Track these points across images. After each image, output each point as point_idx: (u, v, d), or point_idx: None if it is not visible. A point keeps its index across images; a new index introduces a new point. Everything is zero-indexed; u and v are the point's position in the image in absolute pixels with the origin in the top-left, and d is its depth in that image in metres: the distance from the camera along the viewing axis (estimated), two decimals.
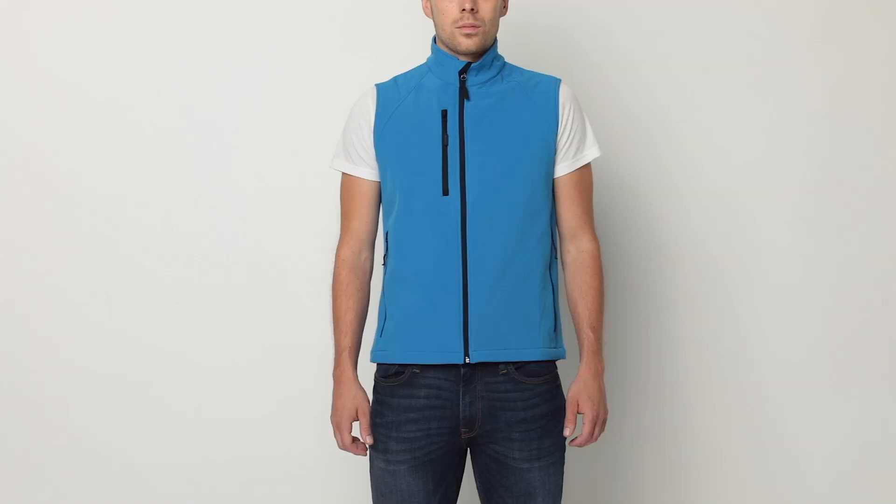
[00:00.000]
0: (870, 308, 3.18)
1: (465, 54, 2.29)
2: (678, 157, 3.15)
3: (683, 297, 3.16)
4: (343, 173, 2.39)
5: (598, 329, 2.29)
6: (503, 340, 2.23)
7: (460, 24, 2.25)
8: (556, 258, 2.36)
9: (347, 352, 2.32)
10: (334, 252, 2.39)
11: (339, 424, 2.30)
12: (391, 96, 2.34)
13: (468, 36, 2.25)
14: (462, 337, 2.23)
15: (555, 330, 2.30)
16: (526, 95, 2.31)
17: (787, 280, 3.18)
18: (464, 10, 2.23)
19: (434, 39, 2.36)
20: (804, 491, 3.19)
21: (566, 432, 2.27)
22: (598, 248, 2.34)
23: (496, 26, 2.30)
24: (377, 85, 2.38)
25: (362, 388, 2.32)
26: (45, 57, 3.03)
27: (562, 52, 3.10)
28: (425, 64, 2.38)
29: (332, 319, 2.35)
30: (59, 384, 3.05)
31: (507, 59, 2.41)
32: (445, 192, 2.24)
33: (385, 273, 2.34)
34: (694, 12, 3.15)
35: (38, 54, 3.03)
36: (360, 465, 3.02)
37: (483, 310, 2.22)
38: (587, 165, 2.35)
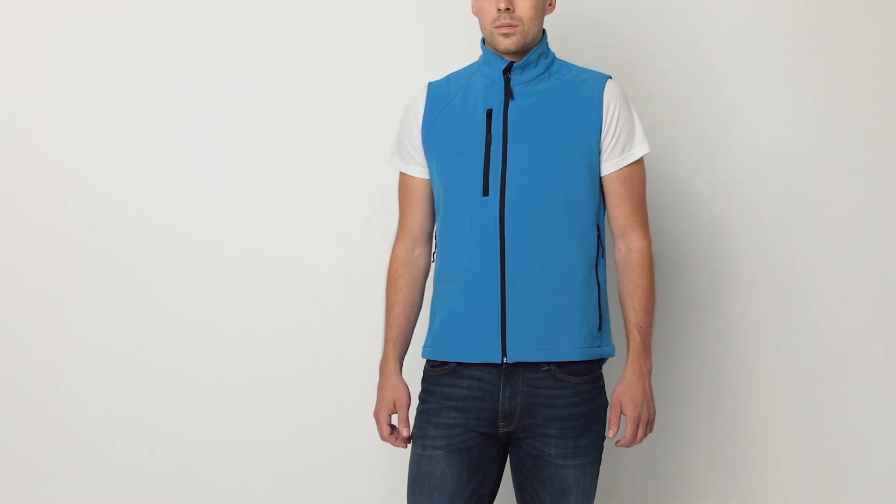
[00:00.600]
0: (868, 308, 3.19)
1: (505, 53, 2.30)
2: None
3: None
4: (399, 171, 2.43)
5: (644, 329, 2.28)
6: (541, 341, 2.24)
7: (498, 23, 2.26)
8: (603, 256, 2.34)
9: (391, 344, 2.38)
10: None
11: (377, 415, 2.37)
12: (441, 95, 2.37)
13: (506, 35, 2.27)
14: (500, 337, 2.25)
15: (600, 329, 2.30)
16: (571, 94, 2.30)
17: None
18: (500, 10, 2.25)
19: (483, 39, 2.37)
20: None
21: (609, 434, 2.27)
22: (647, 247, 2.32)
23: (537, 24, 2.29)
24: (429, 83, 2.41)
25: (403, 381, 2.36)
26: (46, 56, 3.03)
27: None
28: (476, 63, 2.39)
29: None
30: (59, 383, 3.05)
31: (559, 55, 2.41)
32: (486, 193, 2.25)
33: (434, 271, 2.38)
34: (694, 12, 3.14)
35: (39, 54, 3.03)
36: (362, 466, 3.04)
37: (520, 310, 2.24)
38: (637, 162, 2.32)
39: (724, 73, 3.13)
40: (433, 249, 2.39)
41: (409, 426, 2.34)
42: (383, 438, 2.37)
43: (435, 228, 2.39)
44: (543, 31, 2.35)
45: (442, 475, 2.28)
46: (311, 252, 3.07)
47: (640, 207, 2.33)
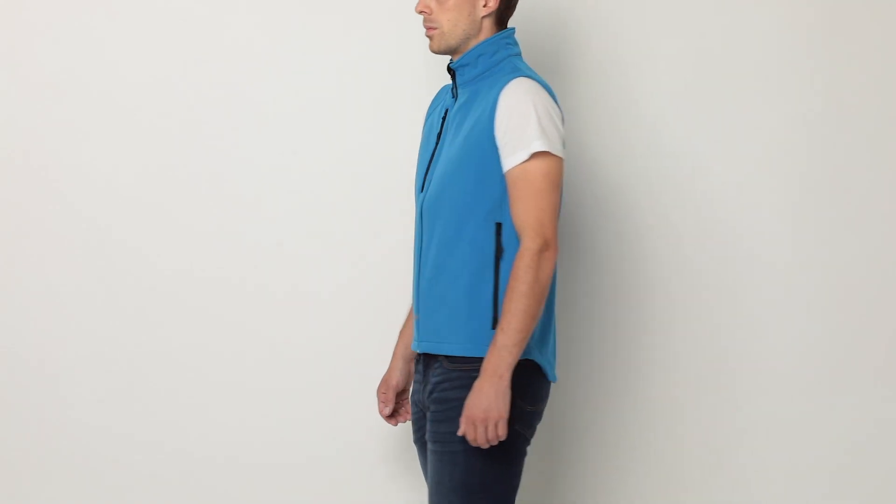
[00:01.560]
0: (868, 308, 3.19)
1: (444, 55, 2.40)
2: (675, 157, 3.13)
3: (675, 299, 3.14)
4: None
5: (506, 330, 2.19)
6: (435, 333, 2.32)
7: (425, 26, 2.37)
8: (503, 257, 2.28)
9: (403, 328, 2.57)
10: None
11: (377, 393, 2.57)
12: (439, 96, 2.51)
13: (430, 38, 2.36)
14: (417, 328, 2.38)
15: (494, 327, 2.26)
16: (487, 93, 2.31)
17: (786, 280, 3.16)
18: (421, 12, 2.34)
19: None
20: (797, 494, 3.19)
21: (459, 431, 2.23)
22: (531, 249, 2.20)
23: (462, 26, 2.30)
24: (443, 87, 2.52)
25: (398, 364, 2.55)
26: (47, 56, 3.03)
27: (561, 48, 3.09)
28: None
29: None
30: (59, 382, 3.04)
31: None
32: (422, 189, 2.39)
33: None
34: (694, 12, 3.13)
35: (39, 53, 3.03)
36: (367, 464, 3.04)
37: (424, 303, 2.35)
38: (531, 161, 2.23)
39: (720, 71, 3.13)
40: None
41: (390, 406, 2.54)
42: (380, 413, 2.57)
43: None
44: (510, 29, 2.36)
45: (425, 467, 2.41)
46: (312, 252, 3.06)
47: (533, 207, 2.22)
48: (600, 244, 3.11)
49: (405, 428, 2.54)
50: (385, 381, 2.54)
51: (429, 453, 2.31)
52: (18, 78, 3.03)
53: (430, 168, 2.36)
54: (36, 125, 3.03)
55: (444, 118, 2.38)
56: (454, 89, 2.37)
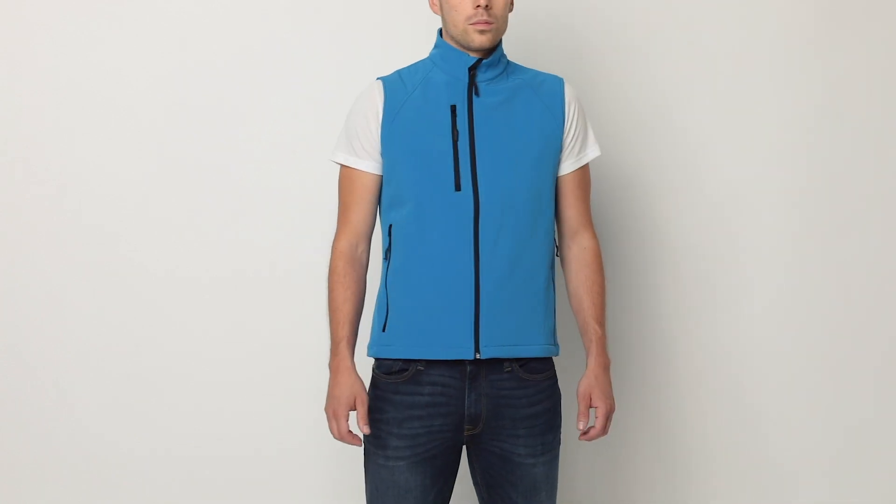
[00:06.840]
0: (867, 307, 3.19)
1: (477, 50, 2.29)
2: (679, 155, 3.15)
3: (682, 296, 3.16)
4: (343, 166, 2.37)
5: (603, 324, 2.32)
6: (511, 336, 2.24)
7: (474, 20, 2.25)
8: (557, 255, 2.37)
9: (345, 342, 2.30)
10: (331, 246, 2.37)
11: (336, 413, 2.27)
12: (398, 90, 2.32)
13: (482, 32, 2.25)
14: (473, 333, 2.23)
15: (554, 327, 2.33)
16: (533, 93, 2.32)
17: (784, 279, 3.18)
18: (478, 6, 2.23)
19: (440, 34, 2.35)
20: (794, 485, 3.19)
21: (580, 426, 2.30)
22: (599, 245, 2.38)
23: (507, 23, 2.31)
24: (382, 79, 2.36)
25: (360, 378, 2.29)
26: (47, 56, 3.04)
27: (566, 48, 3.10)
28: (429, 58, 2.36)
29: (328, 311, 2.33)
30: (59, 381, 3.05)
31: (511, 57, 2.42)
32: (458, 188, 2.24)
33: (388, 267, 2.31)
34: (699, 9, 3.14)
35: (39, 53, 3.04)
36: (354, 462, 3.03)
37: (494, 305, 2.23)
38: (587, 164, 2.38)
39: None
40: (388, 246, 2.32)
41: (368, 424, 2.25)
42: (340, 437, 2.27)
43: (387, 223, 2.33)
44: None
45: (406, 485, 2.26)
46: (309, 249, 3.05)
47: (589, 207, 2.39)
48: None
49: None
50: (353, 399, 2.25)
51: (532, 465, 2.26)
52: (18, 78, 3.03)
53: (460, 165, 2.23)
54: (35, 125, 3.04)
55: (454, 113, 2.25)
56: (473, 86, 2.28)
